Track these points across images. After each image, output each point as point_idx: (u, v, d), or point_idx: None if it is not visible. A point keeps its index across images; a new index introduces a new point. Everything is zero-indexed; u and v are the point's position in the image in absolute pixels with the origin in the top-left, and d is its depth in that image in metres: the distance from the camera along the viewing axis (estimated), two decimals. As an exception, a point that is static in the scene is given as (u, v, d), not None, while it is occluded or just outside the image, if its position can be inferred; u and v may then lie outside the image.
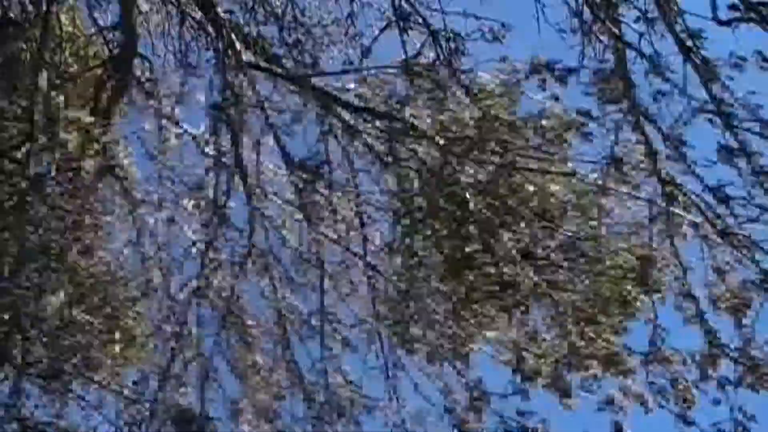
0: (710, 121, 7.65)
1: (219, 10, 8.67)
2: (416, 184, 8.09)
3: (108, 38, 9.55)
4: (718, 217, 7.81)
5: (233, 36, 8.62)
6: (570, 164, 8.52)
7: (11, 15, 7.89)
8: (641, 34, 7.61)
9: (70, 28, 8.96)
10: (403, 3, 8.06)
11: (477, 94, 8.46)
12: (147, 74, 9.58)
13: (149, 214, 9.36)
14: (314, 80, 8.74)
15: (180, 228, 9.23)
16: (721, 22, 7.88)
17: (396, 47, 8.49)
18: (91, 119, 8.78)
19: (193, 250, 9.11)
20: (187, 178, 9.26)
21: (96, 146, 8.97)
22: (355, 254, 8.62)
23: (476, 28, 8.08)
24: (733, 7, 7.92)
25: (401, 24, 8.07)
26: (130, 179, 9.55)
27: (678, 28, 7.95)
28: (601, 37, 7.67)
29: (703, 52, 7.89)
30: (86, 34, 9.51)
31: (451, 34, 7.99)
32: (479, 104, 8.29)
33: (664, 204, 8.14)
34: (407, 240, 8.09)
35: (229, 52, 8.50)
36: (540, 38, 8.27)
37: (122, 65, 9.50)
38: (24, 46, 8.09)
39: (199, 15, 8.89)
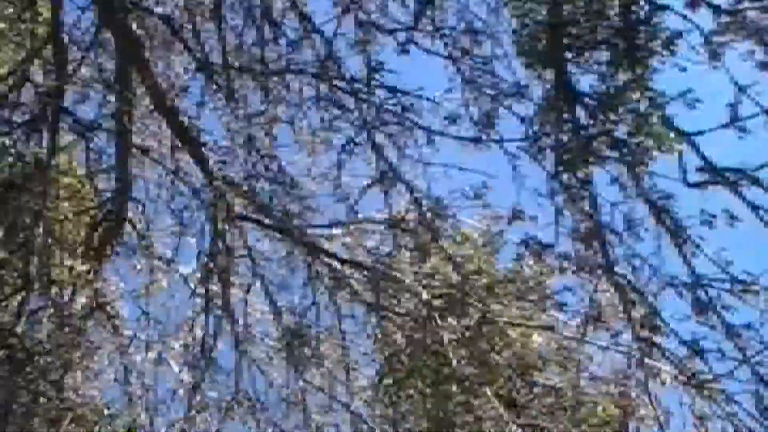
0: (684, 284, 7.91)
1: (211, 163, 9.00)
2: (399, 337, 8.34)
3: (102, 181, 9.95)
4: (693, 374, 8.02)
5: (225, 187, 8.94)
6: (550, 313, 8.76)
7: (13, 178, 8.20)
8: (613, 204, 7.93)
9: (67, 179, 9.28)
10: (384, 165, 8.40)
11: (458, 243, 8.78)
12: (140, 217, 9.90)
13: (137, 354, 9.60)
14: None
15: (167, 368, 9.45)
16: (690, 185, 8.19)
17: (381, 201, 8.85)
18: (85, 267, 9.07)
19: (180, 391, 9.30)
20: (176, 319, 9.53)
21: (86, 286, 9.26)
22: (339, 401, 8.81)
23: (458, 187, 8.43)
24: (701, 169, 8.25)
25: (384, 183, 8.41)
26: (119, 318, 9.81)
27: (647, 186, 8.26)
28: (577, 202, 7.98)
29: (674, 212, 8.18)
30: (81, 176, 9.86)
31: (432, 199, 8.34)
32: (460, 255, 8.58)
33: (640, 356, 8.34)
34: (391, 396, 8.29)
35: (220, 203, 8.80)
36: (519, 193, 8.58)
37: (116, 208, 9.81)
38: (23, 202, 8.38)
39: (192, 167, 9.23)
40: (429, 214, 8.39)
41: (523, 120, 8.44)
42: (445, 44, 8.66)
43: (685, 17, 8.06)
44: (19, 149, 8.56)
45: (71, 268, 8.89)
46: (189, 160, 9.46)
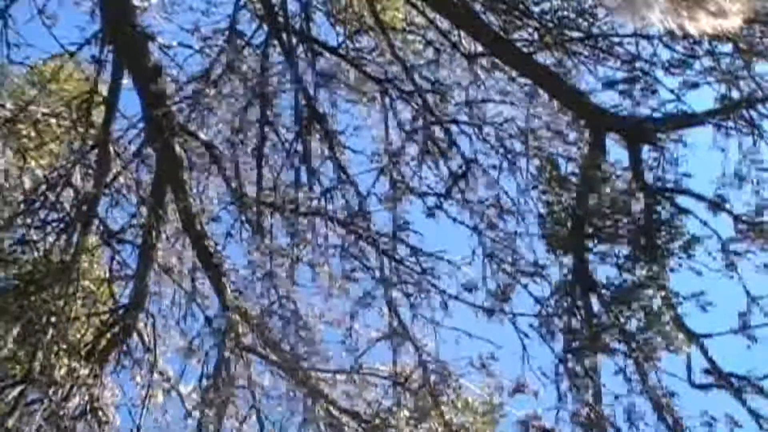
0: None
1: (228, 292, 9.17)
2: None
3: (119, 288, 10.09)
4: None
5: (236, 317, 9.07)
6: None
7: (35, 274, 8.38)
8: (616, 396, 8.06)
9: (86, 281, 9.45)
10: (396, 322, 8.57)
11: (459, 410, 8.82)
12: (149, 330, 9.98)
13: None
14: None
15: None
16: (695, 386, 8.32)
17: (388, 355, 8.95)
18: (85, 370, 9.10)
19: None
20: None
21: (84, 388, 9.25)
22: None
23: (465, 354, 8.56)
24: (707, 371, 8.39)
25: (393, 339, 8.55)
26: (110, 425, 9.74)
27: (652, 382, 8.38)
28: (581, 389, 8.10)
29: (675, 411, 8.27)
30: (99, 280, 10.03)
31: (439, 364, 8.46)
32: (459, 422, 8.62)
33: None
34: None
35: (230, 332, 8.91)
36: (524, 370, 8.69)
37: (127, 317, 9.91)
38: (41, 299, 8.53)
39: (209, 292, 9.41)
40: (433, 377, 8.48)
41: (537, 300, 8.67)
42: (472, 214, 8.98)
43: (705, 223, 8.41)
44: (47, 247, 8.76)
45: (72, 369, 8.92)
46: (207, 284, 9.64)
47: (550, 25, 9.17)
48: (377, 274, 8.84)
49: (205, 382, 9.28)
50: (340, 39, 9.87)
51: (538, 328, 8.69)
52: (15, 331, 8.18)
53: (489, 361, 8.62)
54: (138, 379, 9.86)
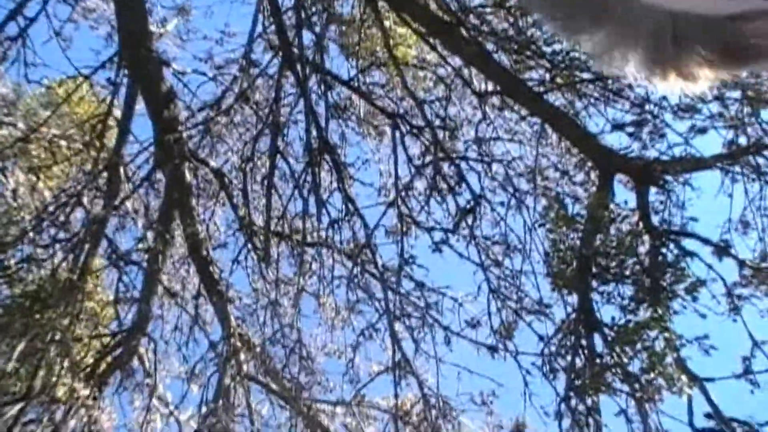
0: None
1: (232, 319, 9.18)
2: None
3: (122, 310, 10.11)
4: None
5: (239, 345, 9.07)
6: None
7: (41, 293, 8.40)
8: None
9: (91, 303, 9.47)
10: (399, 355, 8.56)
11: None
12: (150, 355, 9.98)
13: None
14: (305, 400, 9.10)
15: None
16: (696, 429, 8.28)
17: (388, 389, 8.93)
18: (85, 391, 9.09)
19: None
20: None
21: (83, 409, 9.23)
22: None
23: (466, 390, 8.55)
24: (708, 416, 8.36)
25: (396, 372, 8.53)
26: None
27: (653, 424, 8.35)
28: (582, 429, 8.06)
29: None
30: (103, 302, 10.06)
31: (442, 401, 8.44)
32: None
33: None
34: None
35: (232, 360, 8.90)
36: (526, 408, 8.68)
37: (129, 339, 9.91)
38: (46, 318, 8.53)
39: (211, 318, 9.42)
40: (434, 412, 8.45)
41: (541, 338, 8.67)
42: (478, 251, 9.01)
43: (710, 267, 8.43)
44: (54, 266, 8.79)
45: (73, 389, 8.90)
46: (210, 310, 9.66)
47: (561, 66, 9.26)
48: (382, 306, 8.85)
49: (204, 408, 9.26)
50: (352, 73, 10.02)
51: (540, 366, 8.69)
52: (19, 348, 8.16)
53: (490, 398, 8.63)
54: (137, 403, 9.86)
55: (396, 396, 8.53)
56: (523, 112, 9.47)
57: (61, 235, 9.17)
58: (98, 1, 10.41)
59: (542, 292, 8.95)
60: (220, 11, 9.96)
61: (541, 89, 9.44)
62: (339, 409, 9.04)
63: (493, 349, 8.83)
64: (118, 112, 9.64)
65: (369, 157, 10.04)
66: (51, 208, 9.33)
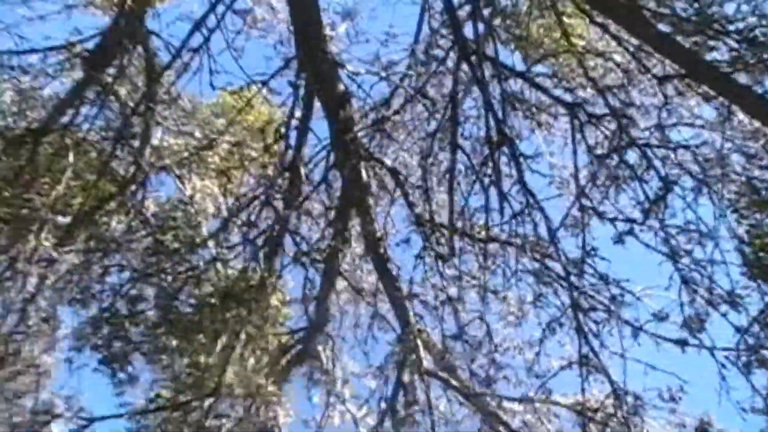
0: None
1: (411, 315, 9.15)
2: None
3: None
4: None
5: (418, 341, 9.04)
6: None
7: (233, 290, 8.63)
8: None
9: (274, 300, 9.69)
10: (586, 349, 8.29)
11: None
12: (328, 353, 10.09)
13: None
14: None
15: None
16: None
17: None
18: (271, 387, 9.29)
19: None
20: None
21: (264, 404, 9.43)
22: None
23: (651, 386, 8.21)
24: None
25: (583, 367, 8.27)
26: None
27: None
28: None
29: None
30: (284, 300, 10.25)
31: (633, 397, 8.11)
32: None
33: None
34: None
35: (412, 356, 8.87)
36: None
37: (308, 336, 10.06)
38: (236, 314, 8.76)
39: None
40: (626, 409, 8.11)
41: (737, 329, 8.21)
42: (667, 240, 8.61)
43: None
44: (244, 265, 9.05)
45: (258, 386, 9.10)
46: (388, 307, 9.68)
47: (748, 43, 8.73)
48: (567, 300, 8.61)
49: (383, 405, 9.26)
50: (520, 64, 9.80)
51: (735, 360, 8.24)
52: (219, 345, 8.42)
53: (678, 394, 8.22)
54: (315, 399, 10.00)
55: (583, 391, 8.27)
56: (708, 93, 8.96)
57: (251, 234, 9.40)
58: (264, 12, 10.68)
59: (732, 282, 8.47)
60: (383, 13, 9.92)
61: (727, 69, 8.94)
62: (520, 407, 8.83)
63: (683, 343, 8.43)
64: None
65: (542, 149, 9.80)
66: (234, 210, 9.60)
